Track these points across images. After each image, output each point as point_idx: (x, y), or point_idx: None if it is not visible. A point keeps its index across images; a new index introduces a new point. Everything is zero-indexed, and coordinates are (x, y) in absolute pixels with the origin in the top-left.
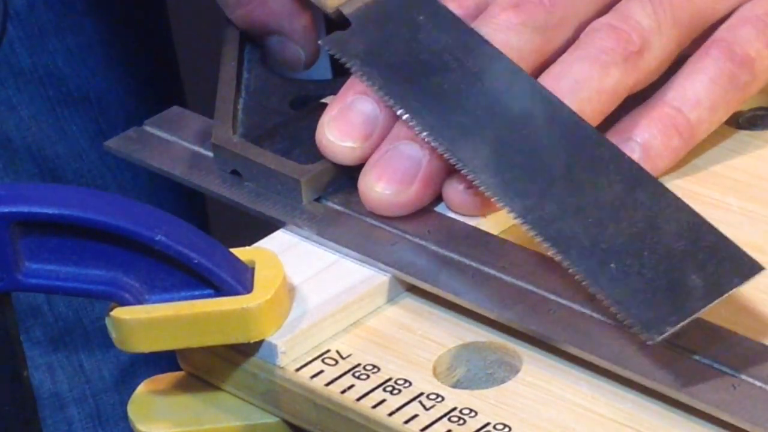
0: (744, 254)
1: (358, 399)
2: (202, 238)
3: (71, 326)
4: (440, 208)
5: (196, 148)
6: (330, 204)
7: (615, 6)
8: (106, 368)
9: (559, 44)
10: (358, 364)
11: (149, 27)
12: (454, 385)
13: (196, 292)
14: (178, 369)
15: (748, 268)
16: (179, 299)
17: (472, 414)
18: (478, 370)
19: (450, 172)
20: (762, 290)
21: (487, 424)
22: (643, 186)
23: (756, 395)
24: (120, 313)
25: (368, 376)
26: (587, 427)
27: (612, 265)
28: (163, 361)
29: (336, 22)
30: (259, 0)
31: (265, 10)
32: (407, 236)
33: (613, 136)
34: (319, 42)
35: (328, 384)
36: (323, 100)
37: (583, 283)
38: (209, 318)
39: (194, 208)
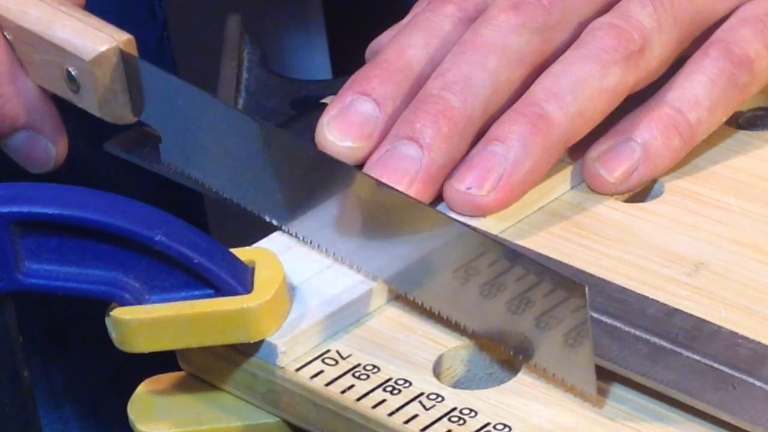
0: (563, 276)
1: (358, 399)
2: (202, 238)
3: (67, 325)
4: (441, 208)
5: None
6: None
7: (615, 6)
8: (102, 367)
9: (558, 45)
10: (358, 364)
11: (146, 26)
12: (454, 385)
13: (196, 292)
14: (176, 369)
15: (576, 287)
16: (179, 299)
17: (472, 414)
18: (478, 370)
19: (450, 171)
20: (762, 290)
21: (487, 424)
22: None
23: (756, 395)
24: (120, 313)
25: (368, 376)
26: (587, 427)
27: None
28: (160, 360)
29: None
30: (11, 92)
31: (18, 102)
32: None
33: (614, 137)
34: (104, 145)
35: (328, 384)
36: (323, 100)
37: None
38: (209, 318)
39: (192, 208)
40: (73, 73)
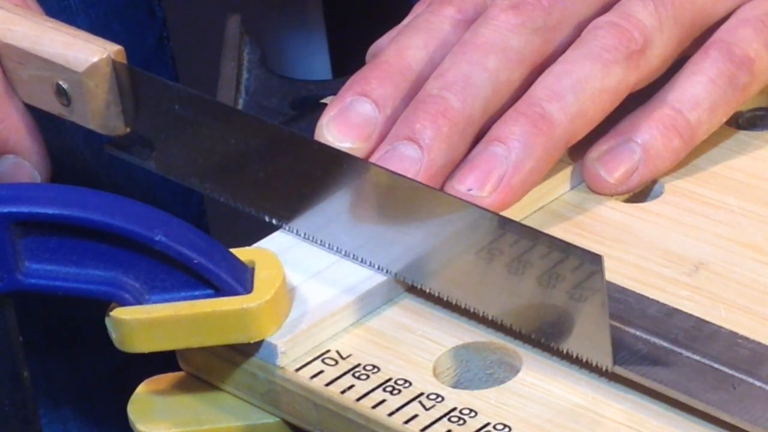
0: (578, 248)
1: (358, 399)
2: (202, 238)
3: (66, 325)
4: None
5: None
6: None
7: (616, 5)
8: (101, 367)
9: (558, 44)
10: (358, 365)
11: (145, 25)
12: (454, 385)
13: (196, 292)
14: (175, 369)
15: (592, 259)
16: (179, 299)
17: (472, 414)
18: (478, 370)
19: (450, 172)
20: (762, 290)
21: (487, 424)
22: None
23: (756, 395)
24: (120, 313)
25: (368, 377)
26: (587, 427)
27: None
28: (160, 360)
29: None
30: (4, 113)
31: (9, 123)
32: None
33: (614, 137)
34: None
35: (328, 384)
36: (323, 101)
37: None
38: (209, 318)
39: (192, 208)
40: (63, 86)
